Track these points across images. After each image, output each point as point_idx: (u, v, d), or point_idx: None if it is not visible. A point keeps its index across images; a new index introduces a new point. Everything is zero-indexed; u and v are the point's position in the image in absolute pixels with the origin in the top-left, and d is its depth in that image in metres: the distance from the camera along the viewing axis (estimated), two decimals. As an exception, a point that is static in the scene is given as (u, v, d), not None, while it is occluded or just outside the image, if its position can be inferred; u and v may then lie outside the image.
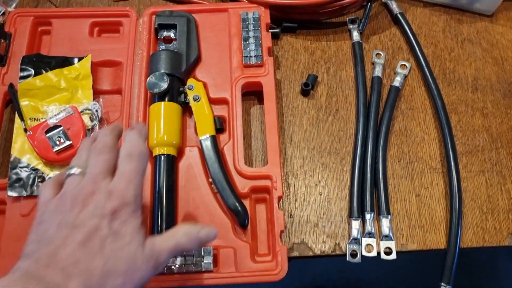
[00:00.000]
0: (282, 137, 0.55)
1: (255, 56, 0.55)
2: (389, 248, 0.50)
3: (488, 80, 0.59)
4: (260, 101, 0.57)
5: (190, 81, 0.54)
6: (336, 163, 0.54)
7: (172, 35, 0.57)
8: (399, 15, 0.62)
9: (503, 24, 0.63)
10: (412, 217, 0.51)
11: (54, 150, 0.49)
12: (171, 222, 0.48)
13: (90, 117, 0.54)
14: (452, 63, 0.60)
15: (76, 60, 0.56)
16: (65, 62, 0.56)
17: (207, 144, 0.51)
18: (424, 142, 0.55)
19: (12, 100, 0.53)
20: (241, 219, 0.48)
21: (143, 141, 0.38)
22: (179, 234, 0.36)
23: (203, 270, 0.45)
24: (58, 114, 0.51)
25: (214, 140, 0.51)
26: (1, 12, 0.62)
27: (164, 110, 0.51)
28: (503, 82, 0.59)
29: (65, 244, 0.31)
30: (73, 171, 0.36)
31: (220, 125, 0.53)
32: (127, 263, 0.32)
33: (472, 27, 0.62)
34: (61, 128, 0.50)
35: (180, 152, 0.52)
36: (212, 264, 0.46)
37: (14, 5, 0.64)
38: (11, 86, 0.53)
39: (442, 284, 0.48)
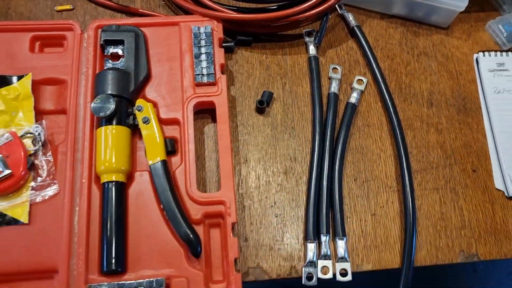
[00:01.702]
0: (237, 157, 0.54)
1: (207, 74, 0.53)
2: (345, 269, 0.49)
3: (443, 94, 0.59)
4: (214, 119, 0.55)
5: (139, 102, 0.51)
6: (292, 184, 0.53)
7: (119, 51, 0.54)
8: (355, 28, 0.61)
9: (458, 37, 0.63)
10: (367, 237, 0.51)
11: (-9, 181, 0.46)
12: (120, 253, 0.46)
13: (32, 141, 0.51)
14: (408, 77, 0.60)
15: (15, 79, 0.52)
16: (2, 82, 0.52)
17: (157, 169, 0.48)
18: (380, 159, 0.55)
19: None
20: (193, 248, 0.46)
21: None
22: None
23: (153, 304, 0.44)
24: (-5, 141, 0.48)
25: (165, 165, 0.49)
26: None
27: (112, 135, 0.49)
28: (457, 97, 0.59)
29: None
30: None
31: (171, 147, 0.51)
32: None
33: (428, 39, 0.62)
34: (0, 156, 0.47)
35: (130, 177, 0.50)
36: (163, 298, 0.44)
37: None
38: None
39: (396, 305, 0.48)
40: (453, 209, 0.53)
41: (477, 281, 1.30)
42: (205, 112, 0.55)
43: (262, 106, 0.55)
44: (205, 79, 0.53)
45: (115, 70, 0.52)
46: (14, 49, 0.55)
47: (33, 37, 0.55)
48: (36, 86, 0.53)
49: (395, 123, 0.55)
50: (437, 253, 0.51)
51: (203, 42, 0.55)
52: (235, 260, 0.47)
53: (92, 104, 0.48)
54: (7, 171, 0.47)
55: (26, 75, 0.53)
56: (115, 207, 0.47)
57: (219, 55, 0.55)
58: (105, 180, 0.48)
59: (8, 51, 0.54)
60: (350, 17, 0.61)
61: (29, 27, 0.55)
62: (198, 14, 0.57)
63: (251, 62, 0.59)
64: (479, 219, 0.53)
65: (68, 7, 0.60)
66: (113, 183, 0.47)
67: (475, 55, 0.61)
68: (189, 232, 0.46)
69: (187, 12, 0.59)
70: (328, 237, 0.50)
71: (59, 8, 0.60)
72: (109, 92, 0.50)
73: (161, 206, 0.48)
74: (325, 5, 0.56)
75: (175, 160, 0.51)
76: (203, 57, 0.54)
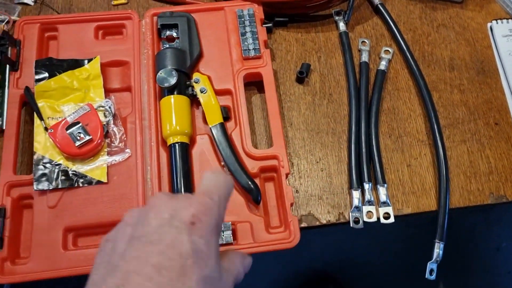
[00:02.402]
0: (282, 121, 0.60)
1: (253, 49, 0.60)
2: (387, 213, 0.55)
3: (463, 59, 0.65)
4: (260, 90, 0.62)
5: (196, 75, 0.58)
6: (333, 141, 0.59)
7: (174, 34, 0.62)
8: (379, 5, 0.68)
9: (472, 9, 0.69)
10: (405, 185, 0.57)
11: (76, 145, 0.53)
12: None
13: (104, 114, 0.57)
14: (430, 46, 0.66)
15: (86, 61, 0.60)
16: (76, 64, 0.59)
17: (217, 131, 0.55)
18: (410, 118, 0.61)
19: (28, 102, 0.56)
20: (254, 195, 0.52)
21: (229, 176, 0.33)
22: (239, 265, 0.31)
23: (224, 242, 0.50)
24: (75, 112, 0.55)
25: (223, 127, 0.55)
26: (5, 21, 0.65)
27: (175, 103, 0.55)
28: (476, 61, 0.65)
29: (136, 270, 0.25)
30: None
31: (226, 114, 0.57)
32: None
33: (445, 13, 0.69)
34: (80, 124, 0.54)
35: (192, 140, 0.56)
36: (232, 237, 0.50)
37: (16, 14, 0.67)
38: (27, 89, 0.56)
39: (436, 241, 0.54)
40: (480, 158, 0.59)
41: (500, 261, 1.34)
42: (251, 85, 0.62)
43: (302, 75, 0.62)
44: (251, 53, 0.60)
45: (173, 48, 0.59)
46: (82, 37, 0.62)
47: (96, 27, 0.63)
48: (103, 68, 0.60)
49: (422, 85, 0.62)
50: (469, 196, 0.57)
51: (247, 22, 0.62)
52: (291, 206, 0.53)
53: (158, 76, 0.55)
54: (88, 137, 0.53)
55: (95, 58, 0.60)
56: (181, 163, 0.53)
57: (262, 33, 0.62)
58: (171, 142, 0.54)
59: (77, 39, 0.62)
60: (374, -3, 0.68)
61: (93, 17, 0.63)
62: (240, -1, 0.64)
63: (288, 40, 0.66)
64: (505, 165, 0.59)
65: (123, 1, 0.68)
66: (179, 143, 0.54)
67: (488, 24, 0.68)
68: (249, 182, 0.53)
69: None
70: (370, 185, 0.56)
71: (116, 2, 0.68)
72: (169, 67, 0.57)
73: (222, 163, 0.55)
74: (353, -15, 0.63)
75: (230, 125, 0.58)
76: (248, 34, 0.61)
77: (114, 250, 0.27)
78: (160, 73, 0.56)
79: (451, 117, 0.62)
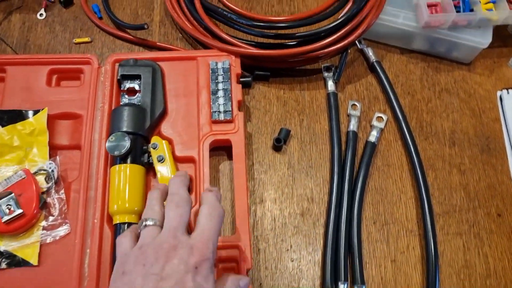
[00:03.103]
0: (252, 196, 0.53)
1: (224, 111, 0.52)
2: (364, 319, 0.47)
3: (466, 133, 0.57)
4: (230, 156, 0.54)
5: (154, 140, 0.51)
6: (308, 225, 0.51)
7: (136, 86, 0.54)
8: (375, 63, 0.59)
9: (480, 73, 0.61)
10: (387, 285, 0.49)
11: (3, 221, 0.45)
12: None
13: (45, 178, 0.50)
14: (429, 115, 0.58)
15: (31, 114, 0.52)
16: (19, 116, 0.52)
17: (171, 211, 0.47)
18: (400, 201, 0.53)
19: (-42, 160, 0.49)
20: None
21: (220, 203, 0.39)
22: (229, 285, 0.38)
23: None
24: (8, 179, 0.47)
25: (179, 206, 0.48)
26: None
27: (126, 173, 0.48)
28: (481, 136, 0.57)
29: None
30: (148, 222, 0.37)
31: (186, 187, 0.50)
32: None
33: (449, 76, 0.61)
34: (12, 195, 0.46)
35: (143, 217, 0.49)
36: None
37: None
38: (-43, 145, 0.49)
39: None
40: (478, 256, 0.51)
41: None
42: (220, 149, 0.54)
43: (279, 144, 0.54)
44: (222, 117, 0.52)
45: (131, 106, 0.51)
46: (31, 83, 0.54)
47: (50, 71, 0.55)
48: (52, 120, 0.53)
49: (416, 164, 0.54)
50: (461, 303, 0.49)
51: (220, 78, 0.54)
52: (250, 307, 0.45)
53: (107, 143, 0.48)
54: (19, 211, 0.46)
55: (42, 109, 0.52)
56: (127, 249, 0.45)
57: (237, 91, 0.54)
58: (118, 222, 0.46)
59: (25, 85, 0.54)
60: (370, 52, 0.60)
61: (47, 60, 0.55)
62: (216, 48, 0.56)
63: (268, 98, 0.58)
64: (505, 267, 0.50)
65: (86, 39, 0.60)
66: (126, 224, 0.46)
67: (498, 92, 0.60)
68: (202, 277, 0.45)
69: (205, 46, 0.58)
70: (346, 285, 0.48)
71: (78, 40, 0.60)
72: (124, 129, 0.49)
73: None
74: (345, 41, 0.55)
75: (189, 199, 0.50)
76: (220, 93, 0.53)
77: (132, 282, 0.34)
78: (111, 139, 0.48)
79: (447, 203, 0.53)
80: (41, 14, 0.62)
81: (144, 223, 0.37)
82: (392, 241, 0.51)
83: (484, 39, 0.57)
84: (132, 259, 0.35)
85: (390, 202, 0.53)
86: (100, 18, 0.62)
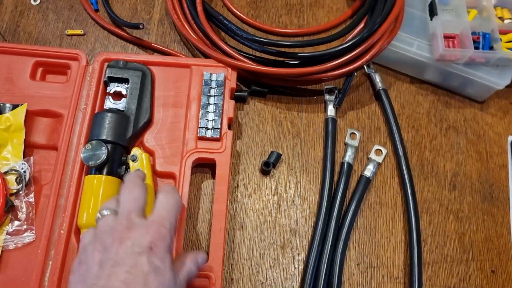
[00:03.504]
0: (232, 221, 0.49)
1: (212, 128, 0.49)
2: None
3: (469, 178, 0.53)
4: (214, 174, 0.51)
5: (135, 151, 0.48)
6: (288, 259, 0.48)
7: (123, 90, 0.51)
8: (381, 91, 0.55)
9: (493, 114, 0.57)
10: (363, 333, 0.46)
11: (-36, 223, 0.43)
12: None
13: (16, 179, 0.47)
14: (432, 153, 0.54)
15: (8, 107, 0.49)
16: (-5, 109, 0.49)
17: (142, 231, 0.44)
18: (389, 244, 0.50)
19: None
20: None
21: (178, 193, 0.40)
22: (189, 264, 0.38)
23: None
24: (-26, 177, 0.45)
25: (151, 226, 0.45)
26: None
27: (100, 185, 0.45)
28: (484, 183, 0.53)
29: (109, 285, 0.31)
30: (104, 212, 0.37)
31: (163, 205, 0.47)
32: None
33: (460, 113, 0.57)
34: (-24, 195, 0.44)
35: (113, 232, 0.46)
36: None
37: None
38: None
39: None
40: (464, 314, 0.48)
41: None
42: (205, 166, 0.51)
43: (268, 168, 0.50)
44: (209, 134, 0.49)
45: (114, 113, 0.48)
46: (15, 74, 0.51)
47: (36, 63, 0.52)
48: (30, 116, 0.50)
49: (411, 206, 0.50)
50: None
51: (213, 91, 0.51)
52: None
53: (83, 152, 0.45)
54: (-18, 213, 0.43)
55: (21, 105, 0.49)
56: (91, 267, 0.43)
57: (229, 108, 0.50)
58: (86, 235, 0.44)
59: (7, 76, 0.51)
60: (377, 79, 0.56)
61: (33, 51, 0.52)
62: (213, 59, 0.53)
63: (263, 116, 0.55)
64: (492, 330, 0.47)
65: (79, 32, 0.57)
66: (93, 239, 0.43)
67: (510, 137, 0.55)
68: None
69: (203, 53, 0.55)
70: (319, 329, 0.45)
71: (70, 32, 0.57)
72: (104, 137, 0.46)
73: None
74: (352, 66, 0.51)
75: (164, 218, 0.47)
76: (211, 108, 0.50)
77: (88, 271, 0.33)
78: (87, 147, 0.45)
79: (438, 251, 0.50)
80: (35, 0, 0.59)
81: (99, 214, 0.37)
82: (375, 286, 0.48)
83: (501, 80, 0.52)
84: (89, 248, 0.35)
85: (378, 244, 0.50)
86: (97, 10, 0.59)
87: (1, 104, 0.49)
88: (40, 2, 0.59)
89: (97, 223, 0.36)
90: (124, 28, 0.57)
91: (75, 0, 0.59)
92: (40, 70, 0.53)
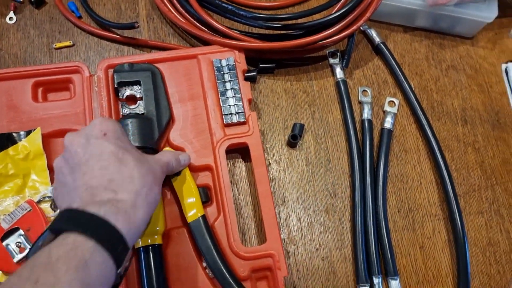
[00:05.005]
0: (273, 198, 0.50)
1: (236, 113, 0.49)
2: (400, 310, 0.47)
3: (476, 110, 0.57)
4: (245, 158, 0.51)
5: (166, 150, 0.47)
6: (334, 221, 0.50)
7: (136, 93, 0.49)
8: (380, 44, 0.57)
9: (483, 46, 0.60)
10: (419, 272, 0.49)
11: (15, 261, 0.41)
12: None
13: (51, 205, 0.45)
14: (439, 94, 0.57)
15: (22, 135, 0.47)
16: (9, 140, 0.46)
17: (198, 227, 0.44)
18: (421, 187, 0.53)
19: None
20: (245, 309, 0.43)
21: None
22: (168, 155, 0.43)
23: None
24: (12, 214, 0.42)
25: (205, 221, 0.45)
26: None
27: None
28: (490, 112, 0.57)
29: (89, 171, 0.34)
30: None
31: (205, 198, 0.47)
32: (147, 166, 0.37)
33: (454, 51, 0.60)
34: (20, 231, 0.42)
35: (166, 235, 0.46)
36: None
37: None
38: None
39: None
40: (500, 233, 0.52)
41: None
42: (233, 152, 0.51)
43: (296, 141, 0.51)
44: (234, 119, 0.49)
45: (136, 117, 0.46)
46: (16, 100, 0.49)
47: (35, 83, 0.50)
48: (46, 140, 0.48)
49: (435, 146, 0.53)
50: (489, 281, 0.50)
51: (227, 77, 0.50)
52: (289, 315, 0.44)
53: (119, 163, 0.43)
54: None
55: (35, 129, 0.47)
56: (155, 275, 0.42)
57: (246, 89, 0.50)
58: (140, 245, 0.43)
59: (9, 103, 0.48)
60: (374, 34, 0.58)
61: (29, 72, 0.49)
62: (218, 44, 0.52)
63: (276, 91, 0.55)
64: (527, 241, 0.52)
65: (67, 43, 0.54)
66: (149, 247, 0.43)
67: (503, 65, 0.59)
68: (239, 291, 0.43)
69: (201, 41, 0.54)
70: (380, 278, 0.48)
71: (58, 45, 0.54)
72: (133, 144, 0.45)
73: (204, 264, 0.45)
74: (352, 28, 0.52)
75: (211, 210, 0.47)
76: (229, 93, 0.50)
77: (65, 177, 0.36)
78: (121, 157, 0.44)
79: (466, 183, 0.53)
80: (10, 18, 0.55)
81: None
82: (418, 227, 0.51)
83: (490, 13, 0.55)
84: (59, 164, 0.37)
85: (412, 188, 0.53)
86: (79, 17, 0.56)
87: (13, 133, 0.47)
88: (16, 20, 0.55)
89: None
90: (113, 30, 0.55)
91: (54, 11, 0.56)
92: (40, 90, 0.50)
